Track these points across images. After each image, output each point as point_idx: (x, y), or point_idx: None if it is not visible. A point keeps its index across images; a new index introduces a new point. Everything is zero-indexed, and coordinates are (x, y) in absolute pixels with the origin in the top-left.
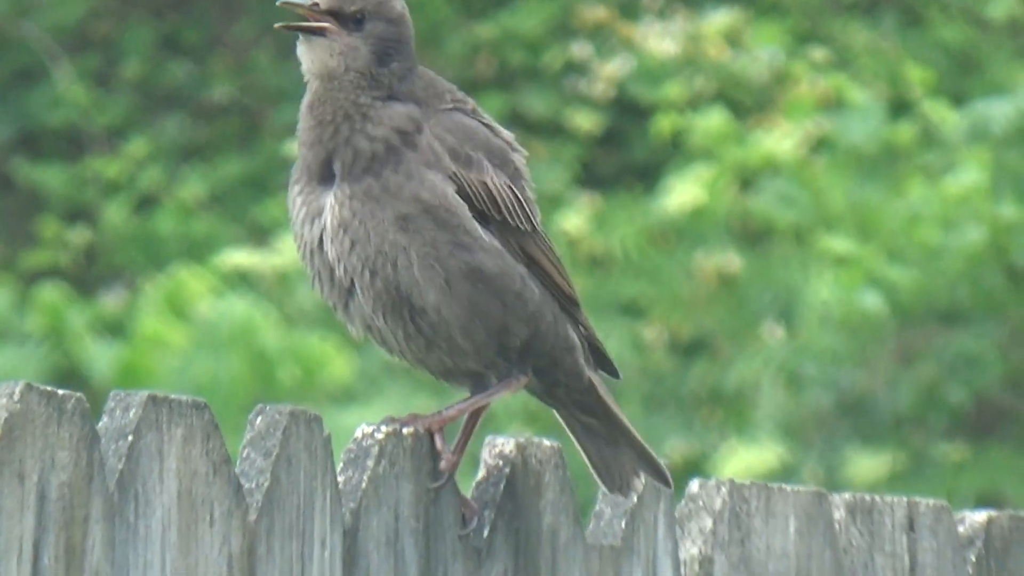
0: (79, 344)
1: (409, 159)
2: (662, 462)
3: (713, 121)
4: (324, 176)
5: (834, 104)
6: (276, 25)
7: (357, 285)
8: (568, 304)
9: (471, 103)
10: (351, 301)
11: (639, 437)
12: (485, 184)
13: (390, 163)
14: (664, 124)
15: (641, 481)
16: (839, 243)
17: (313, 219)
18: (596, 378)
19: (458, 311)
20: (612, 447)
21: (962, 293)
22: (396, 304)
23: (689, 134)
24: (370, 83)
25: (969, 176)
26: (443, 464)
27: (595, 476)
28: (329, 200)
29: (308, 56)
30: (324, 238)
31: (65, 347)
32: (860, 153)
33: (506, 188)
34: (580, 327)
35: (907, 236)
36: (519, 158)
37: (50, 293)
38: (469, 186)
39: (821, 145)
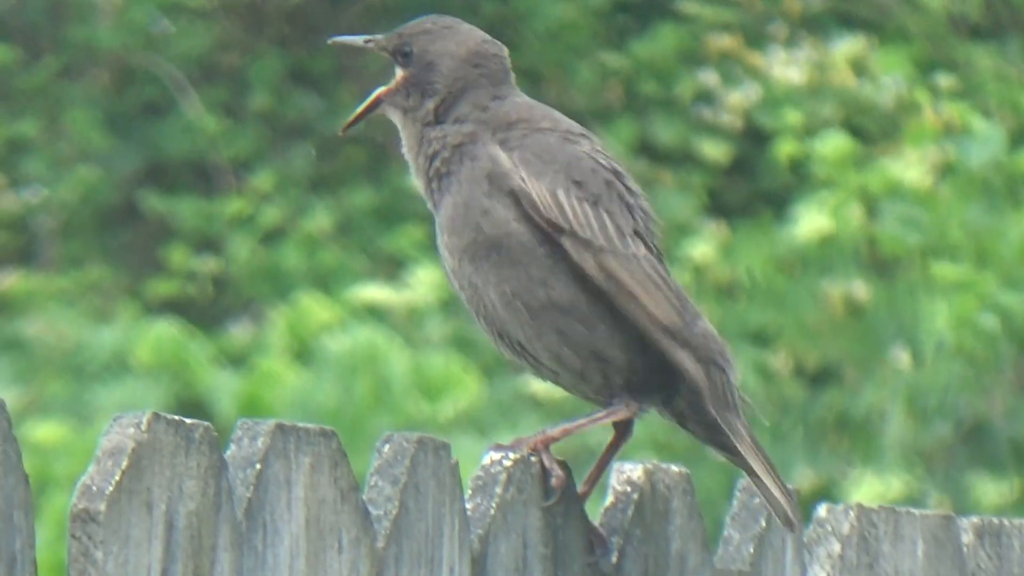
0: (202, 376)
1: (466, 170)
2: (791, 509)
3: (831, 145)
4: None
5: (958, 132)
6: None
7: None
8: (659, 334)
9: (564, 129)
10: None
11: (772, 486)
12: (555, 193)
13: (451, 177)
14: (784, 149)
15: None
16: (954, 270)
17: (445, 266)
18: (731, 419)
19: (546, 342)
20: (760, 485)
21: None
22: (504, 338)
23: (810, 161)
24: (426, 110)
25: None
26: (554, 482)
27: (771, 509)
28: (439, 237)
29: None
30: (455, 287)
31: (186, 379)
32: (981, 179)
33: (583, 203)
34: (687, 357)
35: (1023, 262)
36: (628, 196)
37: (164, 328)
38: (538, 194)
39: (945, 173)
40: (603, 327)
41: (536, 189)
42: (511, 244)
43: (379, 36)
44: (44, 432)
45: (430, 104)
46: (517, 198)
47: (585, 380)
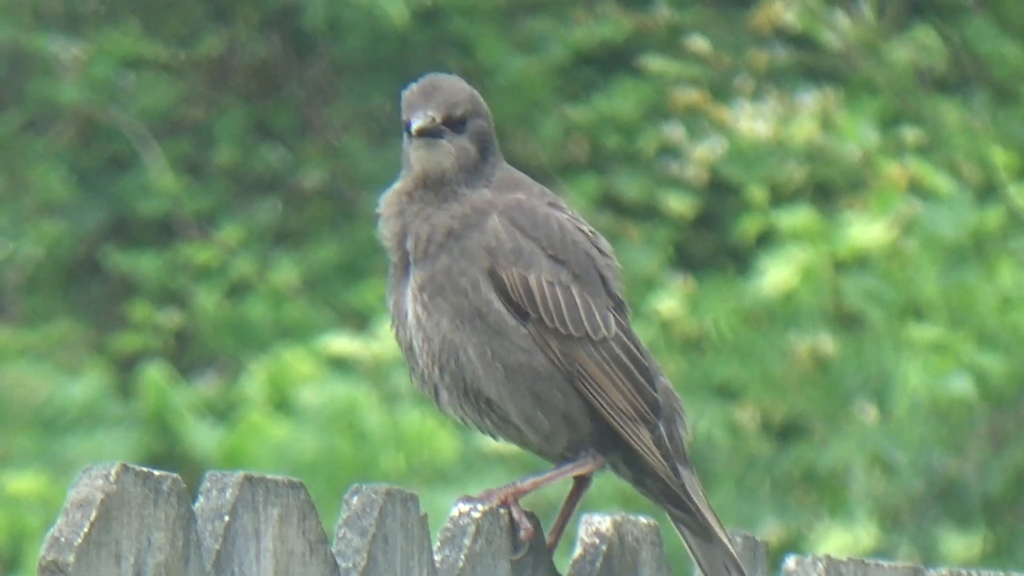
0: (183, 424)
1: (474, 240)
2: (743, 566)
3: (799, 219)
4: (401, 259)
5: (923, 189)
6: (414, 130)
7: (435, 380)
8: (619, 418)
9: (550, 197)
10: (440, 395)
11: (725, 540)
12: (526, 279)
13: (461, 240)
14: (750, 226)
15: None
16: (928, 332)
17: (404, 319)
18: (685, 474)
19: (520, 403)
20: (709, 544)
21: None
22: (469, 396)
23: (776, 231)
24: (473, 176)
25: None
26: (522, 534)
27: (697, 568)
28: (409, 294)
29: (428, 157)
30: (412, 338)
31: (168, 428)
32: (949, 243)
33: (556, 288)
34: (646, 439)
35: (999, 320)
36: (603, 265)
37: (154, 374)
38: (508, 278)
39: (911, 230)
40: (576, 396)
41: (508, 274)
42: (493, 316)
43: (431, 114)
44: (19, 484)
45: (487, 167)
46: (496, 279)
47: (551, 441)
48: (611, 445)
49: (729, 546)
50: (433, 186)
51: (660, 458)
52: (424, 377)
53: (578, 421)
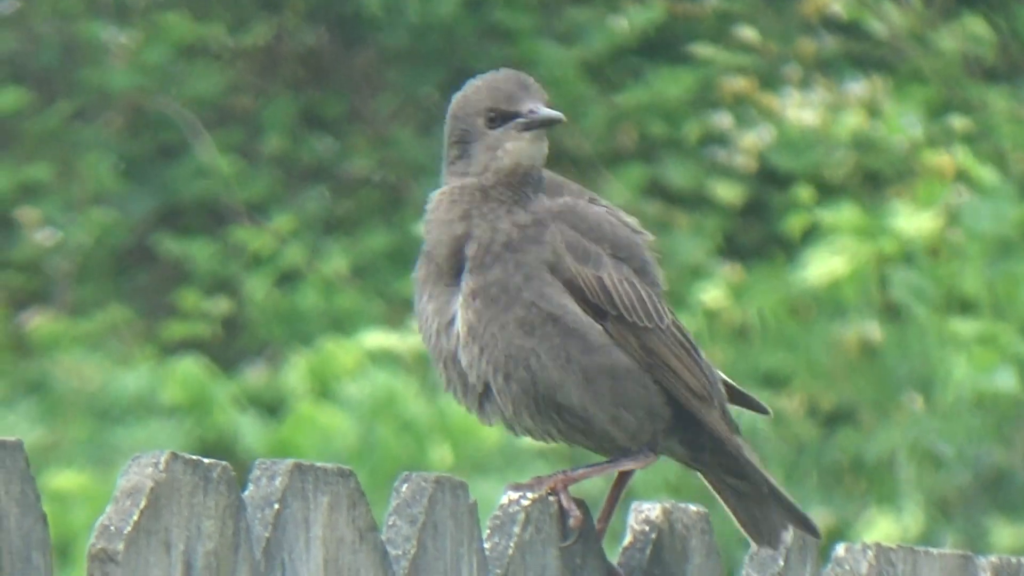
0: (223, 416)
1: (532, 254)
2: (811, 516)
3: (844, 216)
4: (452, 265)
5: (970, 179)
6: (552, 116)
7: (493, 388)
8: (695, 401)
9: (588, 194)
10: (487, 402)
11: (787, 494)
12: (601, 279)
13: (518, 253)
14: (795, 224)
15: (789, 534)
16: (969, 326)
17: (447, 327)
18: (741, 440)
19: (604, 405)
20: (760, 505)
21: None
22: (540, 404)
23: (820, 227)
24: (542, 175)
25: None
26: (572, 522)
27: (743, 532)
28: (459, 300)
29: (530, 152)
30: (459, 348)
31: (208, 419)
32: (992, 234)
33: (625, 283)
34: (715, 418)
35: None
36: (646, 251)
37: (189, 366)
38: (584, 281)
39: (956, 220)
40: (654, 387)
41: (583, 276)
42: (568, 319)
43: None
44: (64, 480)
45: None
46: (571, 285)
47: (636, 438)
48: (677, 429)
49: (793, 503)
50: (516, 184)
51: (731, 434)
52: (467, 387)
53: (659, 411)
